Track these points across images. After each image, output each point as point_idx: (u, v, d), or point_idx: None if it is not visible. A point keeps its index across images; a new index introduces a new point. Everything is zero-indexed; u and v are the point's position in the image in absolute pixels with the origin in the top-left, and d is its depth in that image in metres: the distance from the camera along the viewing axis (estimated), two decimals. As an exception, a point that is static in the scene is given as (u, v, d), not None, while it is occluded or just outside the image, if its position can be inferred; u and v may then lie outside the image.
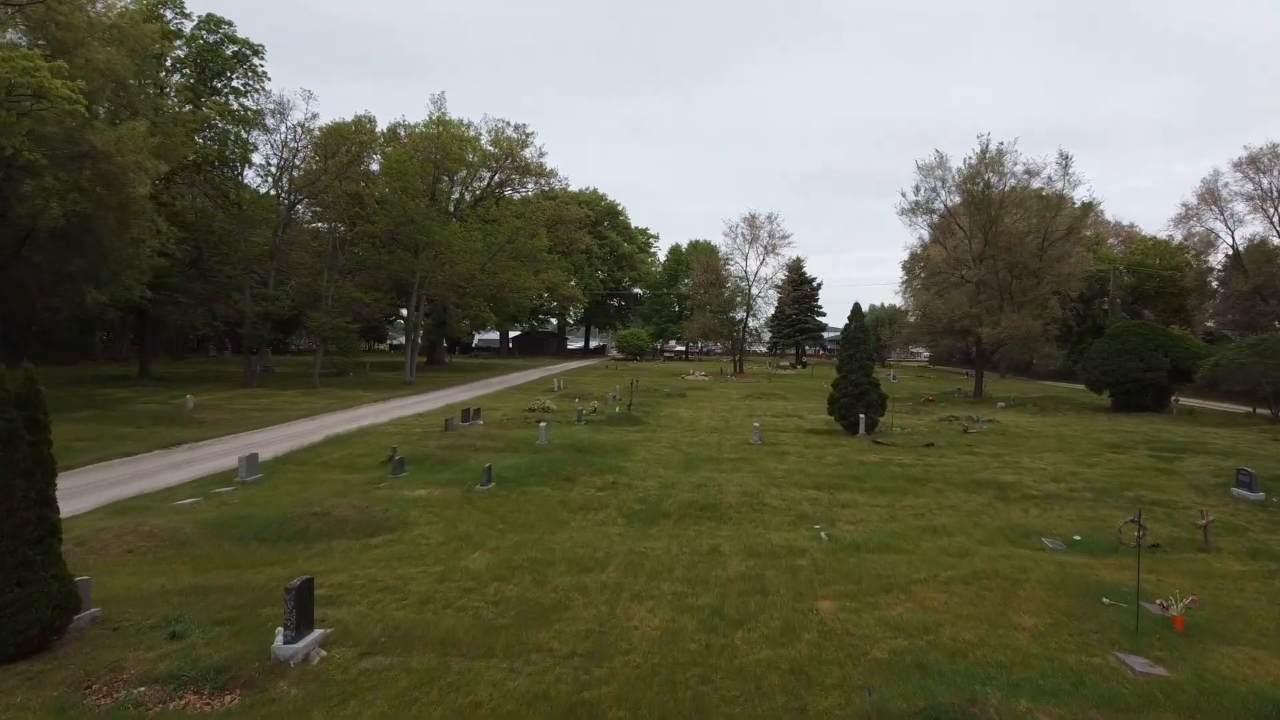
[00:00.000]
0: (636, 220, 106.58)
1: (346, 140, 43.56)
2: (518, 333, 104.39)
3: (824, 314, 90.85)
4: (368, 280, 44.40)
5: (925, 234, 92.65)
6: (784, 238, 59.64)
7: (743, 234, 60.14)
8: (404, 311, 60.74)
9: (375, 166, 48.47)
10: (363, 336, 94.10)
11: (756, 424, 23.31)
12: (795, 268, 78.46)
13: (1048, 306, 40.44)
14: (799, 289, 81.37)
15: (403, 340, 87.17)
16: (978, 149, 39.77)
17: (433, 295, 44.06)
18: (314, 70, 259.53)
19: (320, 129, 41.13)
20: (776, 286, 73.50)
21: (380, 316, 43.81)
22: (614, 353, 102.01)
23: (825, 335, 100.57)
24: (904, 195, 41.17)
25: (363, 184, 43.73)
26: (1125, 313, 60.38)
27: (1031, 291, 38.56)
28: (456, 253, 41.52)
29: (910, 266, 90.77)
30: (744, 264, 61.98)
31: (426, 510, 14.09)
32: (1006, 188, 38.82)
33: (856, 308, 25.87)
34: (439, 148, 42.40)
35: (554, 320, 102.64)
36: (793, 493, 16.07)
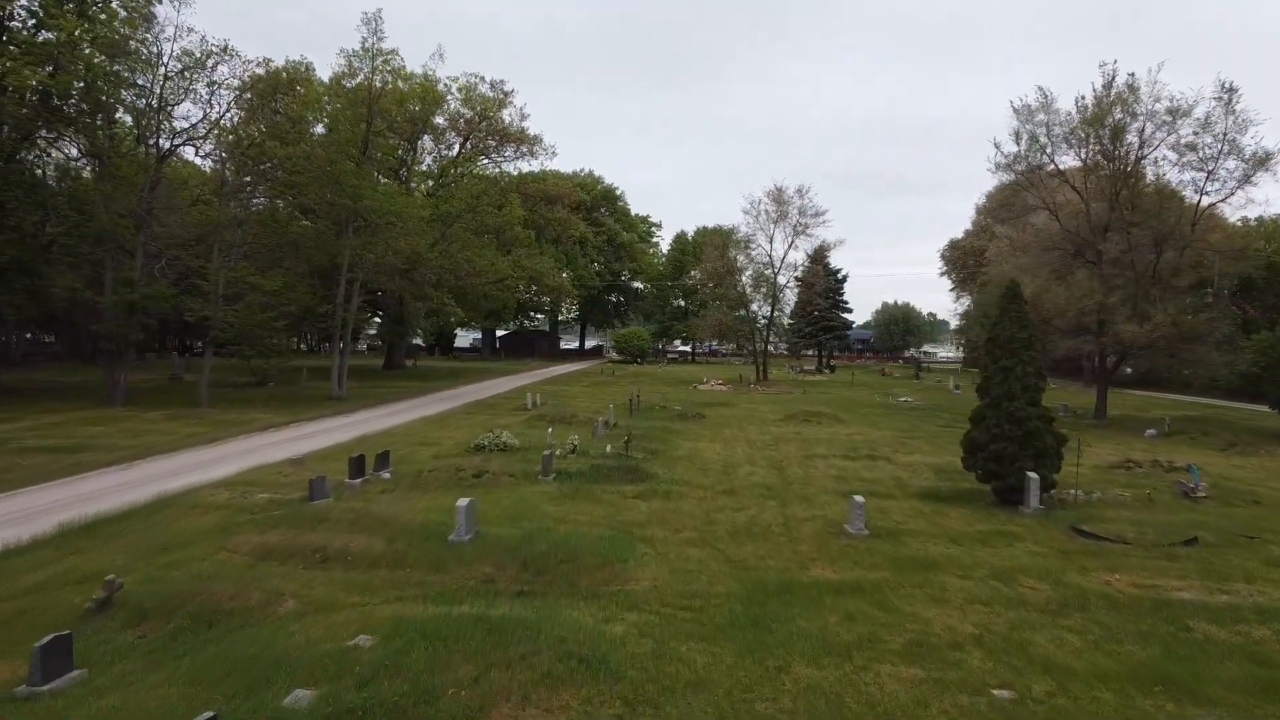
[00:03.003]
0: (637, 210, 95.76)
1: (281, 89, 33.08)
2: (506, 332, 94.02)
3: (850, 309, 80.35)
4: (301, 266, 33.84)
5: (970, 222, 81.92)
6: (816, 215, 49.04)
7: (766, 211, 49.52)
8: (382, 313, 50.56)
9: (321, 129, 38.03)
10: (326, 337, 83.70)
11: (860, 499, 12.77)
12: (818, 256, 67.47)
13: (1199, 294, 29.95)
14: (814, 284, 70.28)
15: (380, 340, 76.22)
16: (1100, 82, 29.22)
17: (368, 282, 33.55)
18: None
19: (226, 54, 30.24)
20: (798, 278, 62.71)
21: (303, 310, 33.01)
22: (612, 354, 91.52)
23: (850, 334, 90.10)
24: (997, 147, 30.73)
25: (280, 143, 33.07)
26: (1234, 307, 49.94)
27: (1186, 274, 28.06)
28: (397, 224, 30.94)
29: (950, 256, 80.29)
30: (768, 247, 51.32)
31: None
32: (1146, 131, 28.21)
33: (1013, 288, 15.32)
34: (372, 88, 31.55)
35: (545, 317, 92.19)
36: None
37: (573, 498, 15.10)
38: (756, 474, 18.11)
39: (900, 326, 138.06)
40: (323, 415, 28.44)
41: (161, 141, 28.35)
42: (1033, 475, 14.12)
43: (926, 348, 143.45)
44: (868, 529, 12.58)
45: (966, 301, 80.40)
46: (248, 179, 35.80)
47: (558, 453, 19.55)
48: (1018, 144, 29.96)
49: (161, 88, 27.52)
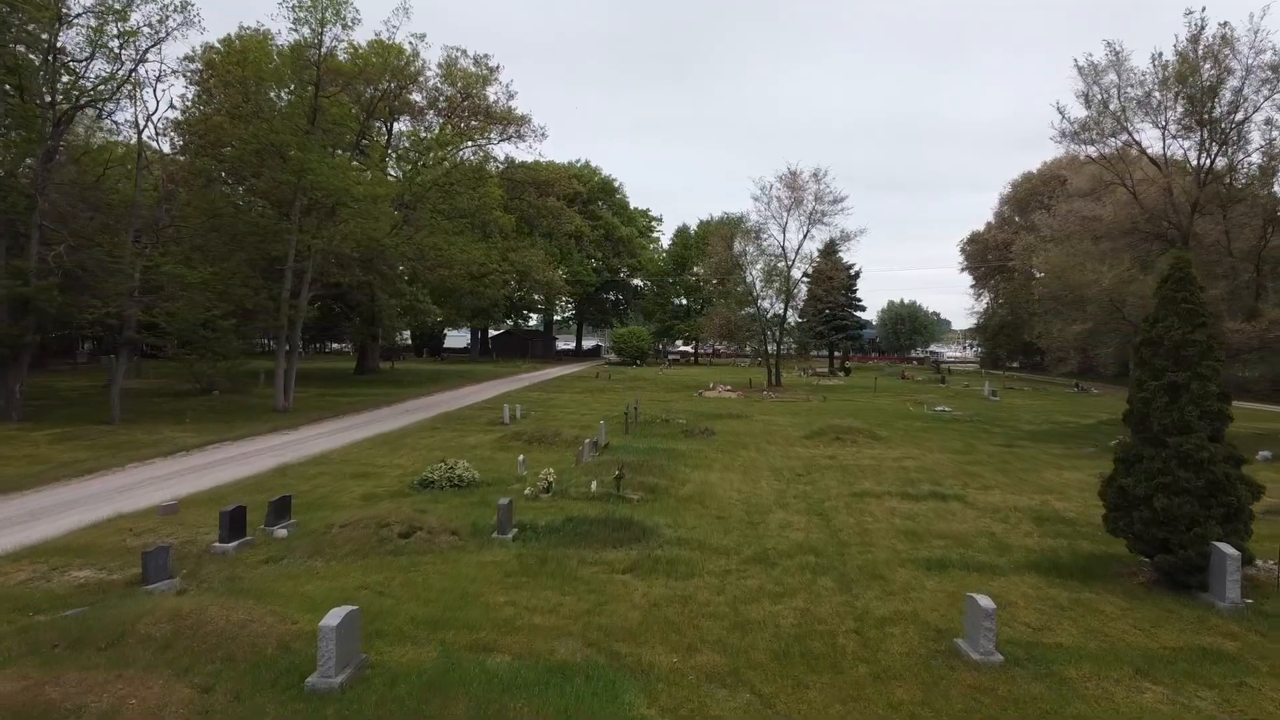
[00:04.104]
0: (636, 204, 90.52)
1: (233, 57, 28.36)
2: (499, 332, 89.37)
3: (864, 307, 75.68)
4: (241, 255, 28.97)
5: (991, 214, 76.98)
6: (835, 202, 44.25)
7: (779, 198, 44.77)
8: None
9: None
10: (313, 336, 78.92)
11: (986, 603, 7.95)
12: (830, 249, 62.35)
13: None
14: (834, 277, 65.14)
15: (352, 342, 70.41)
16: (1185, 34, 24.48)
17: (323, 274, 28.71)
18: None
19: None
20: (808, 274, 57.80)
21: (247, 306, 28.30)
22: (610, 355, 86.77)
23: (864, 334, 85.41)
24: (1061, 113, 26.06)
25: (231, 119, 28.22)
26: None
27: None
28: (349, 205, 26.09)
29: (970, 251, 75.44)
30: (781, 237, 46.51)
31: None
32: (1244, 90, 23.44)
33: (1182, 269, 10.48)
34: (321, 46, 26.49)
35: (538, 317, 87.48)
36: None
37: (535, 575, 10.32)
38: (794, 525, 13.33)
39: (907, 325, 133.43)
40: (256, 433, 23.67)
41: (59, 103, 23.49)
42: (1228, 550, 9.32)
43: (933, 347, 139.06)
44: (1002, 657, 7.78)
45: (986, 299, 75.72)
46: (187, 157, 31.09)
47: (527, 492, 14.85)
48: (1088, 107, 25.18)
49: (54, 35, 22.67)
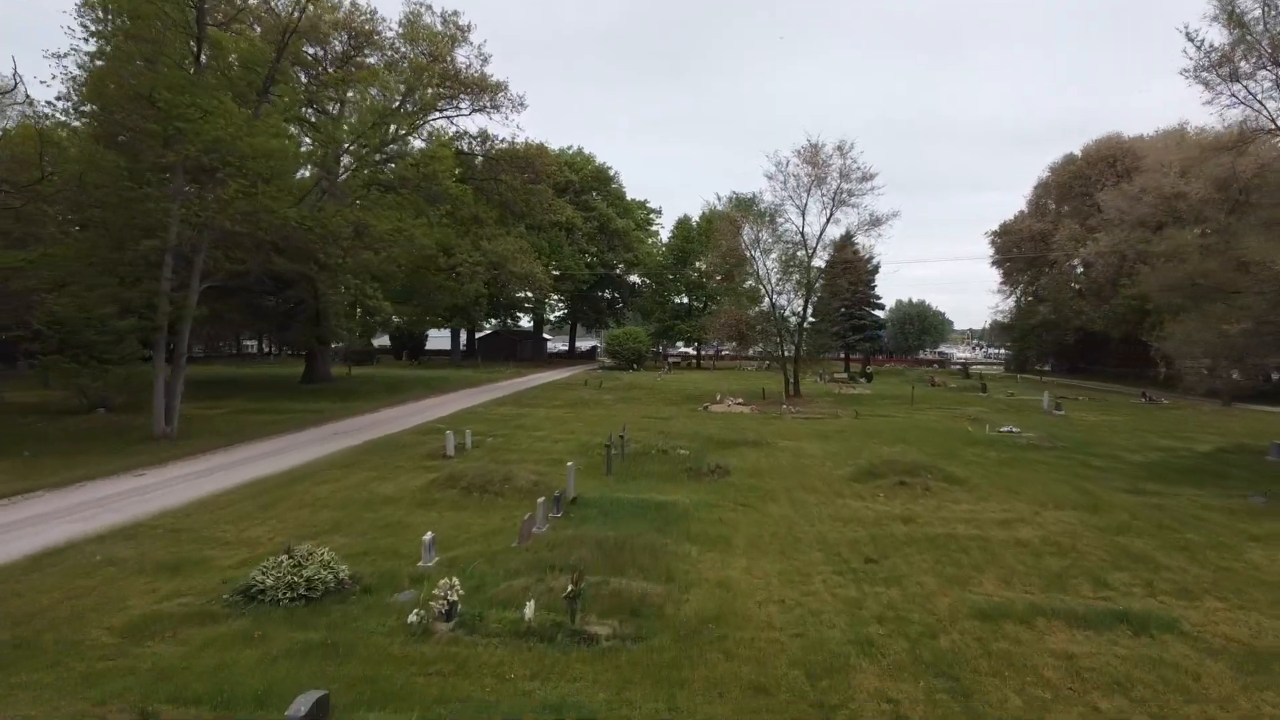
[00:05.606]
0: (633, 196, 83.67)
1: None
2: (485, 333, 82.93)
3: (882, 305, 69.17)
4: (105, 235, 22.38)
5: (1025, 202, 70.24)
6: (865, 180, 37.57)
7: (796, 176, 38.19)
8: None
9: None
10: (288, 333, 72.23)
11: None
12: (847, 238, 55.16)
13: None
14: (852, 270, 58.04)
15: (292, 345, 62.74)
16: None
17: (216, 264, 22.13)
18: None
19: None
20: (821, 269, 50.98)
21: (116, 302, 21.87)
22: (604, 359, 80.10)
23: (880, 334, 78.73)
24: (1193, 40, 19.41)
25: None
26: None
27: None
28: (235, 164, 19.58)
29: (1001, 243, 68.69)
30: (799, 222, 39.91)
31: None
32: None
33: None
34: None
35: (525, 316, 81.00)
36: None
37: None
38: (906, 713, 6.82)
39: (916, 326, 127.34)
40: (99, 474, 17.18)
41: None
42: None
43: (942, 348, 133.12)
44: None
45: (1015, 294, 69.14)
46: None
47: (413, 618, 8.44)
48: (1231, 28, 18.68)
49: None
